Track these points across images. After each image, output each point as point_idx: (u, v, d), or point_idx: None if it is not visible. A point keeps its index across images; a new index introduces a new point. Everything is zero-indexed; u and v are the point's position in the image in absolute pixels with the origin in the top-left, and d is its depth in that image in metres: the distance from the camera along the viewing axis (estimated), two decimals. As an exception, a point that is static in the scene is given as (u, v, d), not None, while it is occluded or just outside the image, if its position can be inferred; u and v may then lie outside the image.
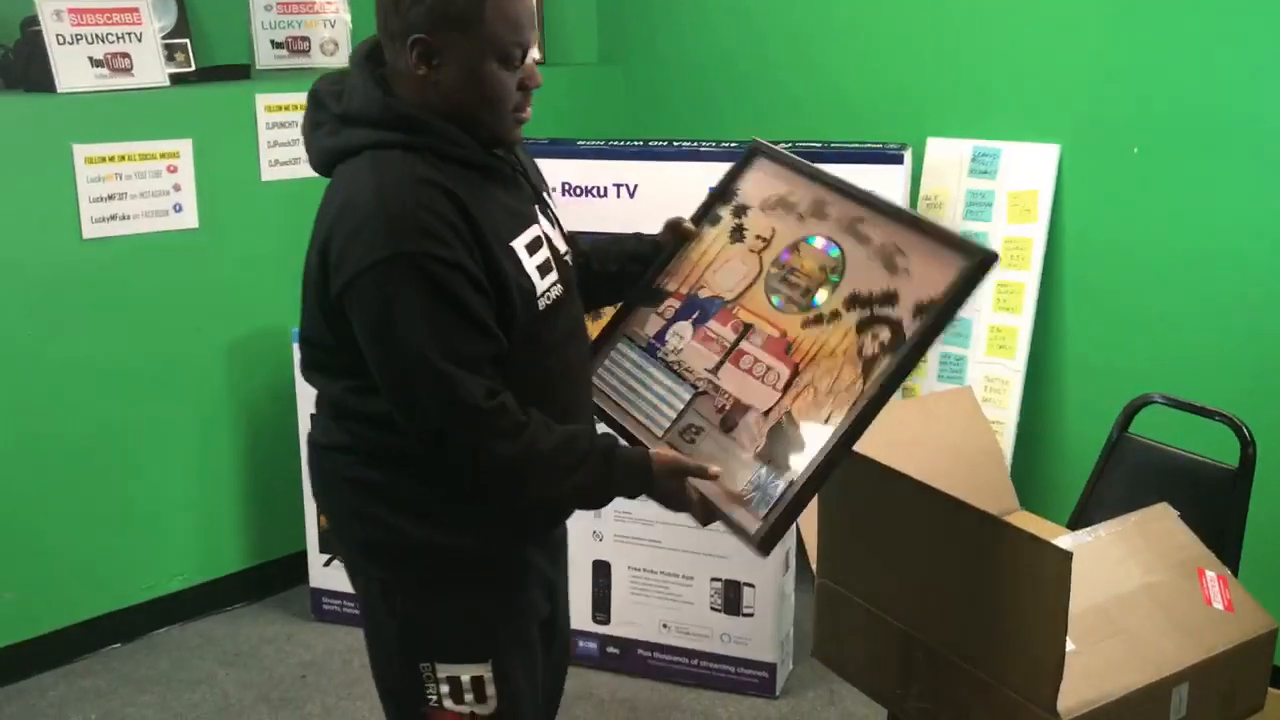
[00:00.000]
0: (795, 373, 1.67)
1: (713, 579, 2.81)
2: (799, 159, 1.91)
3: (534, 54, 1.56)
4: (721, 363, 1.75)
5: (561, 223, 1.73)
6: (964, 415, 2.26)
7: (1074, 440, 3.00)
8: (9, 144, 2.78)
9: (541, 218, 1.63)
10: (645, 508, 2.80)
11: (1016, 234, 3.02)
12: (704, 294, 1.85)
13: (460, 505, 1.57)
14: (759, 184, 1.92)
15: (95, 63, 2.90)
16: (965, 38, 3.13)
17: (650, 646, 2.90)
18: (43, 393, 2.90)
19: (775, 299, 1.77)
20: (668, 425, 1.74)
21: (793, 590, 2.85)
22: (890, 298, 1.65)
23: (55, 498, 2.96)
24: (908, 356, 1.59)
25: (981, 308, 3.08)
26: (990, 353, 3.08)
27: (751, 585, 2.78)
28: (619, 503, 2.76)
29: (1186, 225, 2.75)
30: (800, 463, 1.58)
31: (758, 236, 1.86)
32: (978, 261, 1.58)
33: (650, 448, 1.68)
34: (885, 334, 1.62)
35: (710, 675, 2.86)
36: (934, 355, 3.17)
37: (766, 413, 1.65)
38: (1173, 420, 2.22)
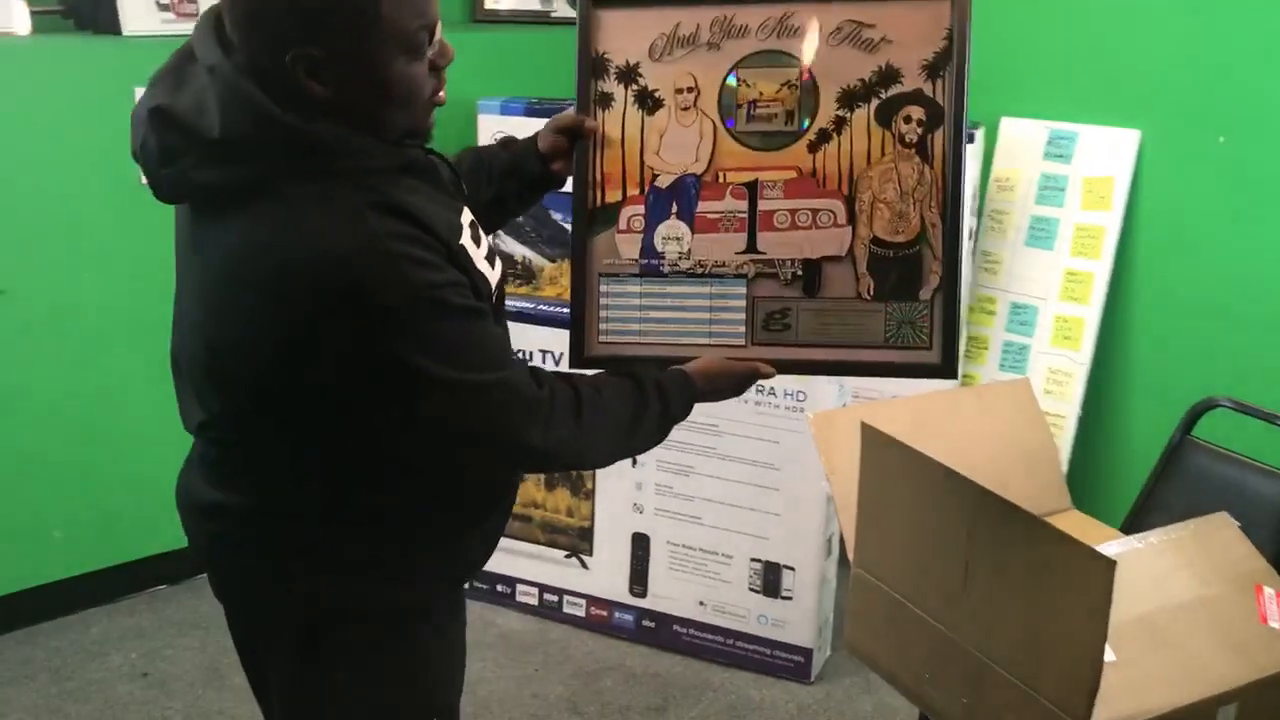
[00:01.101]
0: (850, 200, 1.47)
1: (752, 559, 2.76)
2: None
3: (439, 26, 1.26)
4: (752, 236, 1.51)
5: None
6: (1020, 408, 2.17)
7: (1136, 440, 2.89)
8: (73, 85, 2.79)
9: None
10: (687, 483, 2.77)
11: (1089, 221, 2.91)
12: (663, 182, 1.53)
13: (414, 560, 1.41)
14: (626, 35, 1.54)
15: (161, 6, 2.91)
16: (1045, 14, 3.01)
17: (686, 623, 2.86)
18: (96, 336, 2.93)
19: (756, 142, 1.51)
20: (743, 330, 1.51)
21: (834, 575, 2.80)
22: (890, 76, 1.45)
23: (106, 439, 3.00)
24: (957, 118, 1.44)
25: (1048, 296, 2.98)
26: (1055, 343, 2.98)
27: (791, 568, 2.72)
28: (660, 477, 2.79)
29: (1269, 222, 2.63)
30: (925, 274, 1.46)
31: (678, 90, 1.53)
32: None
33: (686, 365, 1.49)
34: (917, 111, 1.45)
35: (745, 656, 2.82)
36: (997, 343, 3.08)
37: (848, 254, 1.47)
38: (1240, 425, 2.13)
